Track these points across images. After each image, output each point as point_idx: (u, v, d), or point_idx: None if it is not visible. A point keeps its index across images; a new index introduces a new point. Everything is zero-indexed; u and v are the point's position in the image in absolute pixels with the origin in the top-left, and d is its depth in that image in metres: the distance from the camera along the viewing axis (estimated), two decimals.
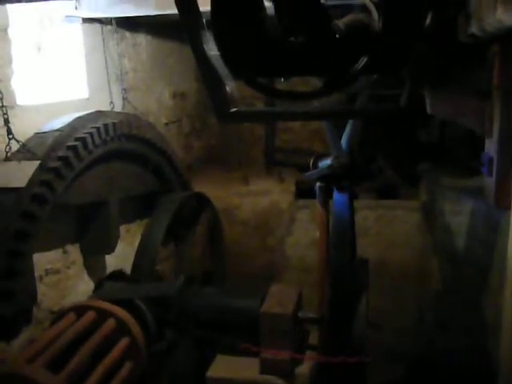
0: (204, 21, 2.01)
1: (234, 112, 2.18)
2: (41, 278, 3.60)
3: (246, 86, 1.98)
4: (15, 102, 3.48)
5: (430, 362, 4.66)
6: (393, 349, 4.76)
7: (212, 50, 1.99)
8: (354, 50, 1.89)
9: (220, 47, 1.90)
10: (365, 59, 1.82)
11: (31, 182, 3.16)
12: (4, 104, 3.27)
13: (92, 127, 3.63)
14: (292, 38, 1.94)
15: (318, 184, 4.00)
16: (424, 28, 1.89)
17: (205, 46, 1.98)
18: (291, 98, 1.97)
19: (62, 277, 3.82)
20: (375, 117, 2.70)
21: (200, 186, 5.12)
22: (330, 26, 1.91)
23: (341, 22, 2.00)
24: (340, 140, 3.91)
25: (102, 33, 4.49)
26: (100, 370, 2.69)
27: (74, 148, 3.43)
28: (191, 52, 2.13)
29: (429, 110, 2.94)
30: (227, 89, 2.13)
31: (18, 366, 2.45)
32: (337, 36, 2.08)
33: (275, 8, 1.89)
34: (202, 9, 2.02)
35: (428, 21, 1.94)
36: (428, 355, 4.72)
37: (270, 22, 1.92)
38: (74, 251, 3.96)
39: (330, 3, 2.04)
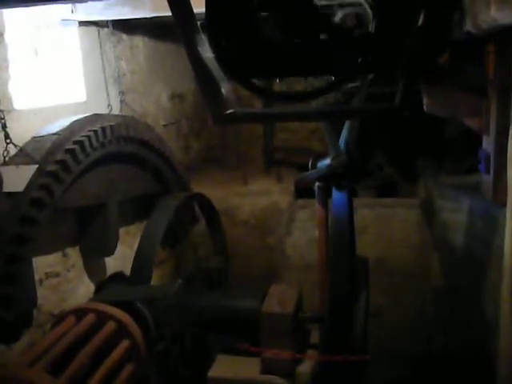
0: (198, 23, 2.01)
1: (229, 114, 2.18)
2: (41, 281, 3.60)
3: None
4: (13, 107, 3.48)
5: (430, 359, 4.66)
6: (393, 346, 4.76)
7: (207, 52, 1.99)
8: (349, 49, 1.89)
9: (214, 49, 1.90)
10: (359, 59, 1.83)
11: (29, 186, 3.16)
12: (1, 108, 3.27)
13: (90, 130, 3.63)
14: (287, 39, 1.94)
15: (317, 184, 4.00)
16: (417, 26, 1.90)
17: (199, 48, 1.98)
18: (286, 99, 1.97)
19: (62, 280, 3.82)
20: (371, 116, 2.70)
21: (199, 187, 5.12)
22: (323, 26, 1.92)
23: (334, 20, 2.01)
24: (338, 139, 3.91)
25: (99, 36, 4.49)
26: (100, 372, 2.69)
27: (71, 151, 3.43)
28: None
29: (426, 108, 2.94)
30: (222, 91, 2.13)
31: (18, 370, 2.45)
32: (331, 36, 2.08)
33: (270, 9, 1.89)
34: (196, 10, 2.02)
35: (422, 19, 1.94)
36: (429, 352, 4.72)
37: (265, 23, 1.92)
38: (74, 254, 3.96)
39: (322, 3, 2.04)
